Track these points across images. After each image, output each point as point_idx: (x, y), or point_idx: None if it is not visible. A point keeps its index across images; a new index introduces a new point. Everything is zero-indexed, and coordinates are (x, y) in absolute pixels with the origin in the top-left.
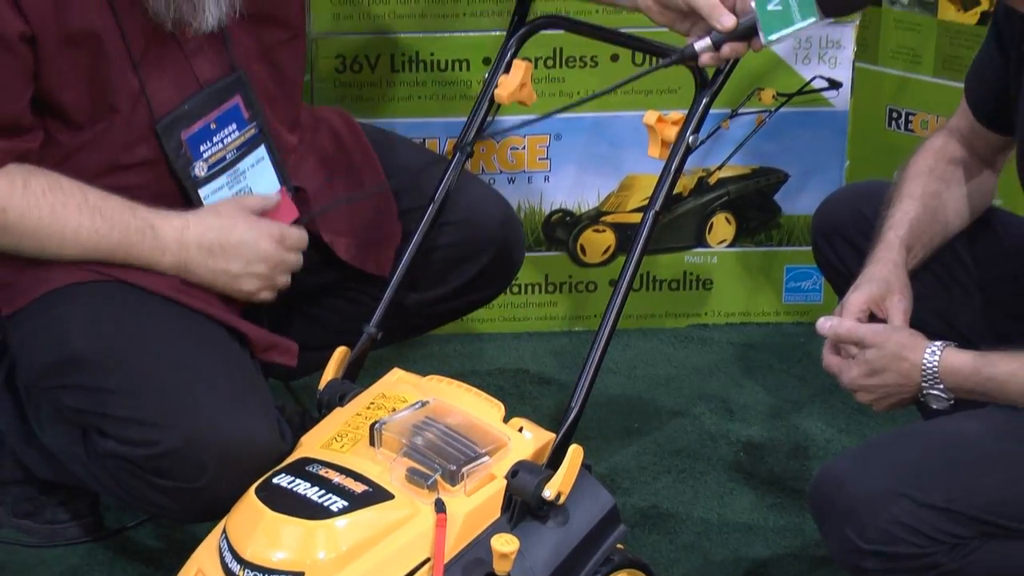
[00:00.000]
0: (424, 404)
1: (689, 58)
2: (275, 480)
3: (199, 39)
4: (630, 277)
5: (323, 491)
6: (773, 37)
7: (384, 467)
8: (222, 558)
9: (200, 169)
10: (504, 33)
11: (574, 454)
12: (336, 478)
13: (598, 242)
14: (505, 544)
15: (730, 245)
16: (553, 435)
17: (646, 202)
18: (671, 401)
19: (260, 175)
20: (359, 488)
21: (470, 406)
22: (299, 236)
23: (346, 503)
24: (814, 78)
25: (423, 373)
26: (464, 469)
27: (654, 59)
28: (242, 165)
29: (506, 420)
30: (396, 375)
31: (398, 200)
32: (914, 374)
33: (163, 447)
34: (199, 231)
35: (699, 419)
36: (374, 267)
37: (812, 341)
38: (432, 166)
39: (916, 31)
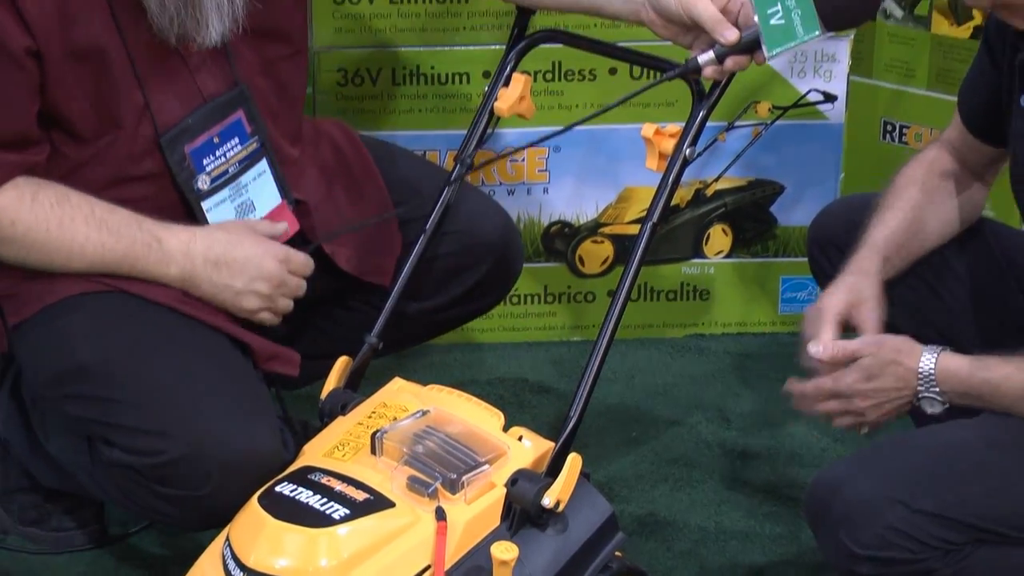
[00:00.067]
0: (425, 413)
1: (693, 71)
2: (278, 488)
3: (202, 54)
4: (628, 287)
5: (325, 499)
6: (776, 51)
7: (385, 475)
8: (225, 565)
9: (203, 182)
10: (504, 47)
11: (573, 462)
12: (338, 486)
13: (597, 253)
14: (505, 551)
15: (727, 256)
16: (552, 444)
17: (644, 214)
18: (668, 410)
19: (262, 188)
20: (360, 496)
21: (470, 415)
22: (304, 261)
23: (348, 511)
24: (809, 91)
25: (424, 382)
26: (464, 477)
27: (651, 72)
28: (244, 178)
29: (506, 429)
30: (397, 384)
31: (398, 210)
32: (910, 378)
33: (167, 456)
34: (205, 244)
35: (696, 428)
36: (375, 277)
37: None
38: (432, 177)
39: (910, 45)
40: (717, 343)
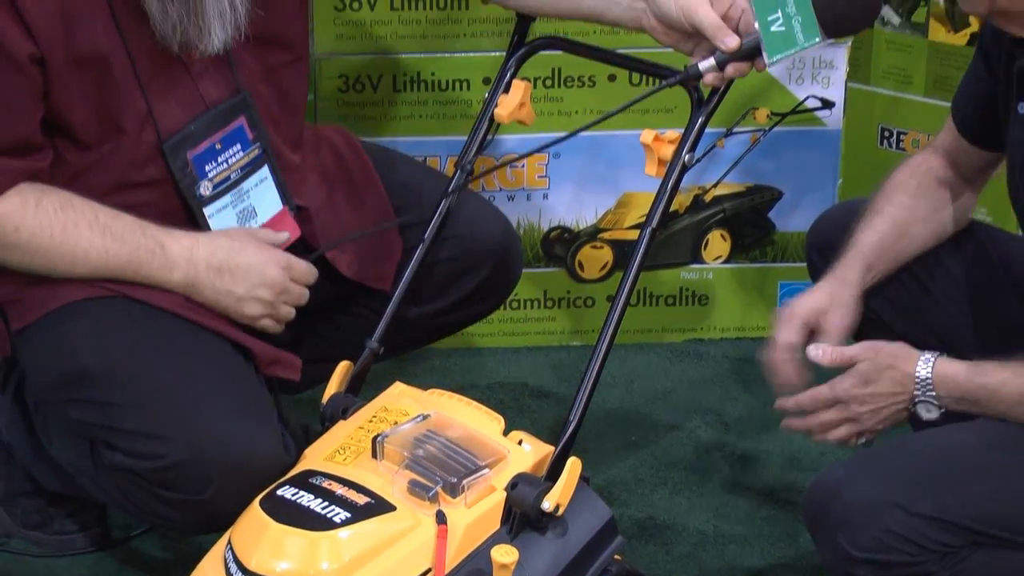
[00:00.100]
0: (425, 417)
1: (693, 78)
2: (279, 492)
3: (204, 61)
4: (627, 293)
5: (326, 503)
6: (777, 57)
7: (386, 479)
8: (227, 569)
9: (205, 188)
10: (504, 53)
11: (572, 466)
12: (339, 490)
13: (596, 258)
14: (505, 555)
15: (725, 261)
16: (552, 448)
17: (643, 219)
18: (668, 414)
19: (263, 194)
20: (362, 500)
21: (470, 419)
22: (306, 269)
23: (349, 515)
24: (807, 98)
25: (424, 387)
26: (465, 481)
27: (650, 79)
28: (246, 184)
29: (506, 433)
30: (398, 389)
31: (398, 216)
32: (907, 383)
33: (169, 460)
34: (209, 250)
35: (695, 432)
36: (375, 282)
37: (804, 356)
38: (432, 182)
39: (907, 52)
40: (716, 348)
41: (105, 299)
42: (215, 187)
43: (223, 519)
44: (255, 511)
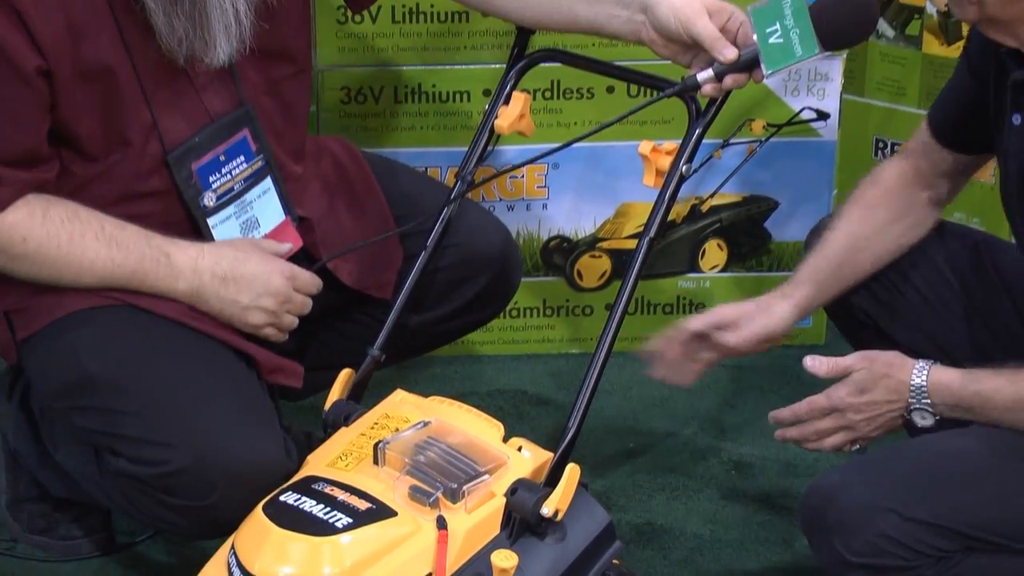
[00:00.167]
0: (426, 424)
1: (691, 89)
2: (282, 497)
3: (209, 74)
4: (626, 301)
5: (328, 508)
6: (775, 69)
7: (387, 485)
8: (230, 573)
9: (209, 199)
10: (504, 66)
11: (571, 472)
12: (341, 496)
13: (594, 267)
14: (505, 560)
15: (722, 270)
16: (551, 454)
17: (641, 229)
18: (665, 421)
19: (266, 205)
20: (363, 505)
21: (471, 426)
22: (310, 279)
23: (351, 520)
24: (803, 109)
25: (425, 394)
26: (465, 487)
27: (648, 90)
28: (249, 196)
29: (505, 440)
30: (399, 396)
31: (399, 225)
32: (902, 390)
33: (173, 466)
34: (213, 260)
35: (692, 439)
36: (376, 290)
37: (800, 364)
38: (432, 192)
39: (901, 64)
40: None
41: (110, 308)
42: (219, 198)
43: (226, 524)
44: (258, 516)
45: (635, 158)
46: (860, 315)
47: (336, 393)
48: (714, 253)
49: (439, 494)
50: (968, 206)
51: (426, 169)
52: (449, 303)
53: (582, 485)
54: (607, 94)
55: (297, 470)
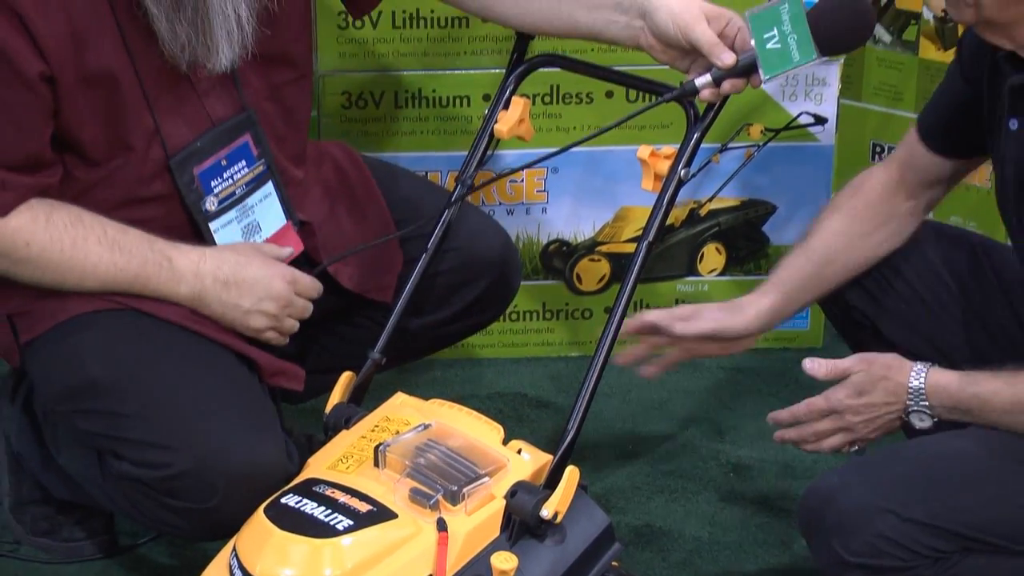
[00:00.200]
0: (426, 427)
1: (689, 94)
2: (283, 500)
3: (211, 79)
4: (624, 304)
5: (329, 510)
6: (772, 74)
7: (388, 487)
8: (232, 575)
9: (211, 204)
10: (503, 71)
11: (571, 475)
12: (342, 498)
13: (594, 271)
14: (504, 561)
15: (720, 274)
16: (550, 456)
17: (640, 233)
18: (664, 424)
19: (267, 210)
20: (364, 507)
21: (471, 429)
22: (311, 283)
23: (351, 522)
24: (801, 114)
25: (425, 397)
26: (465, 489)
27: (647, 95)
28: (251, 200)
29: (505, 442)
30: (400, 399)
31: (399, 229)
32: (901, 393)
33: (175, 469)
34: (215, 264)
35: (691, 441)
36: (377, 294)
37: (799, 367)
38: (433, 196)
39: (898, 69)
40: (711, 359)
41: (113, 311)
42: (220, 202)
43: (228, 526)
44: (259, 518)
45: (634, 162)
46: (858, 316)
47: (337, 396)
48: (712, 257)
49: (439, 496)
50: (964, 210)
51: (426, 173)
52: (449, 307)
53: (581, 487)
54: (606, 99)
55: (298, 472)
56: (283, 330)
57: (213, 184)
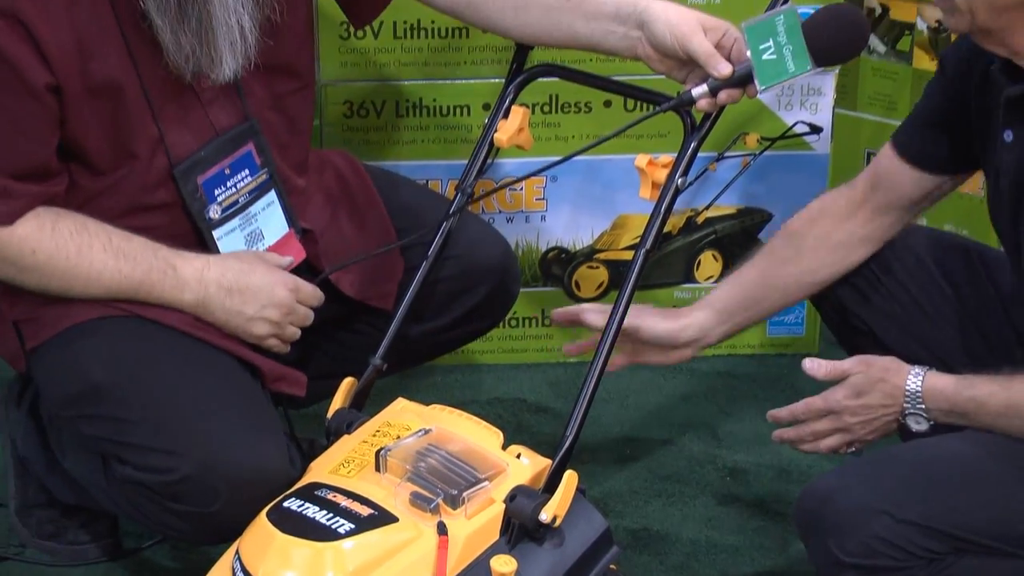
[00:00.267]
0: (427, 432)
1: (686, 103)
2: (285, 504)
3: (215, 89)
4: (622, 311)
5: (331, 514)
6: (768, 85)
7: (389, 491)
8: None
9: (214, 212)
10: (503, 80)
11: (569, 479)
12: (343, 502)
13: (592, 278)
14: (504, 565)
15: (717, 281)
16: (549, 461)
17: (637, 240)
18: (661, 429)
19: (270, 218)
20: (365, 511)
21: (471, 434)
22: (312, 291)
23: (353, 526)
24: (796, 123)
25: (426, 403)
26: (465, 493)
27: (644, 105)
28: (254, 208)
29: (505, 447)
30: (400, 404)
31: (400, 237)
32: (898, 395)
33: (179, 474)
34: (219, 271)
35: (688, 446)
36: (377, 301)
37: (795, 372)
38: (433, 204)
39: (892, 79)
40: (708, 364)
41: (117, 318)
42: (224, 211)
43: (231, 530)
44: (262, 522)
45: (632, 171)
46: (855, 321)
47: (339, 401)
48: (709, 264)
49: (440, 500)
50: (956, 218)
51: (427, 182)
52: (449, 313)
53: (580, 491)
54: (604, 108)
55: (300, 477)
56: (285, 337)
57: (217, 192)
